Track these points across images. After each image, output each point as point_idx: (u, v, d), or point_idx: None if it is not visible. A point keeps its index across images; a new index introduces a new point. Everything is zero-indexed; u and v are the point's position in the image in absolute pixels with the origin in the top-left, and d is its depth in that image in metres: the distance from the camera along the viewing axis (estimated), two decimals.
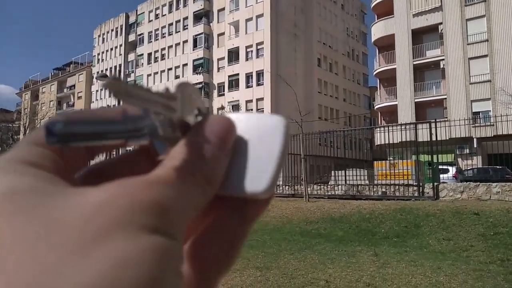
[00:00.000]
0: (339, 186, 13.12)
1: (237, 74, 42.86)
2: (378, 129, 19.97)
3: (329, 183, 14.96)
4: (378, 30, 33.98)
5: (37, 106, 54.40)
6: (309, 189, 12.81)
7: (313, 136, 15.86)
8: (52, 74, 74.45)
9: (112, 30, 60.44)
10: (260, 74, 41.00)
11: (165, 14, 52.43)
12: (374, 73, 34.92)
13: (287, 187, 14.56)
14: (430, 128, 11.16)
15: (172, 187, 0.21)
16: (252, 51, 42.08)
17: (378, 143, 25.33)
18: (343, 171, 14.02)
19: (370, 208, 9.96)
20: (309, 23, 45.72)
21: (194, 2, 48.42)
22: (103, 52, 61.61)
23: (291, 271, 5.57)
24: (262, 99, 40.35)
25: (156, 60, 53.10)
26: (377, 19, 34.72)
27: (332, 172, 15.96)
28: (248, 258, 6.39)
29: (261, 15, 41.50)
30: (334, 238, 8.23)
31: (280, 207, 11.54)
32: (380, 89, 35.00)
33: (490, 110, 25.44)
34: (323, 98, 46.18)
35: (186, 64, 48.86)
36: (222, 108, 38.42)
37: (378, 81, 35.38)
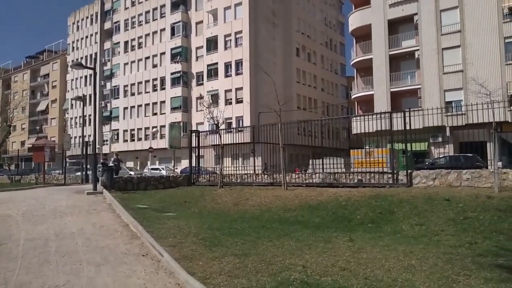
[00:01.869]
0: (317, 175, 13.35)
1: (216, 63, 42.52)
2: (354, 118, 20.29)
3: (307, 172, 15.19)
4: (355, 20, 34.26)
5: (9, 95, 52.46)
6: (287, 177, 12.98)
7: (292, 125, 16.00)
8: (25, 62, 71.98)
9: (87, 17, 58.70)
10: (239, 63, 40.79)
11: (142, 1, 51.26)
12: (351, 63, 35.28)
13: (266, 176, 14.70)
14: (404, 117, 11.44)
15: None
16: (230, 40, 41.75)
17: (355, 132, 25.75)
18: (320, 160, 14.25)
19: (347, 196, 10.20)
20: (288, 12, 45.63)
21: None
22: (78, 40, 59.83)
23: (269, 258, 5.68)
24: (241, 88, 40.24)
25: (133, 48, 52.01)
26: (354, 9, 34.98)
27: (310, 160, 16.18)
28: (227, 246, 6.49)
29: (239, 4, 41.13)
30: (312, 225, 8.42)
31: (259, 195, 11.67)
32: (357, 78, 35.44)
33: (462, 100, 26.20)
34: (302, 88, 46.42)
35: (164, 53, 48.09)
36: (201, 97, 38.06)
37: (355, 71, 35.79)
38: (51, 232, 8.09)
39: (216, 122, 15.57)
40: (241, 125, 37.67)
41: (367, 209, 8.98)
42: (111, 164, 16.18)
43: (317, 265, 5.24)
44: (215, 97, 35.07)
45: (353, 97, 35.82)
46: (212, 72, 42.89)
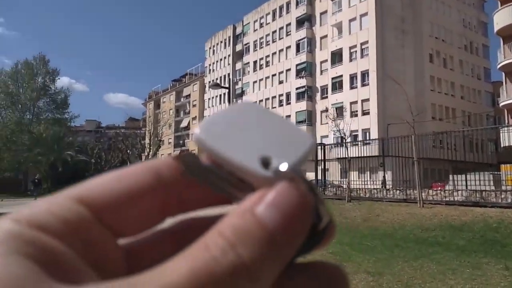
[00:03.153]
0: (459, 192, 11.97)
1: (341, 76, 42.06)
2: (505, 128, 17.65)
3: (446, 188, 13.76)
4: (501, 18, 30.04)
5: (159, 114, 60.90)
6: (423, 194, 11.98)
7: (427, 137, 14.79)
8: (171, 85, 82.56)
9: (221, 42, 64.57)
10: (365, 74, 39.60)
11: (269, 23, 54.13)
12: (498, 66, 30.96)
13: (398, 191, 13.81)
14: None
15: None
16: (356, 51, 40.90)
17: (506, 145, 22.33)
18: (463, 175, 12.76)
19: (498, 217, 8.90)
20: (418, 17, 42.62)
21: (296, 8, 49.06)
22: (213, 63, 66.23)
23: (406, 279, 5.32)
24: (367, 99, 38.89)
25: (261, 67, 55.10)
26: (500, 6, 30.73)
27: (450, 176, 14.63)
28: (358, 262, 6.30)
29: (365, 14, 40.11)
30: (455, 247, 7.58)
31: (391, 212, 11.02)
32: (506, 83, 30.87)
33: None
34: (437, 96, 42.52)
35: (289, 69, 49.69)
36: (326, 110, 38.02)
37: (503, 75, 31.27)
38: None
39: (342, 135, 15.35)
40: (367, 138, 36.29)
41: None
42: None
43: None
44: (340, 110, 34.65)
45: (501, 104, 31.29)
46: (337, 84, 42.54)
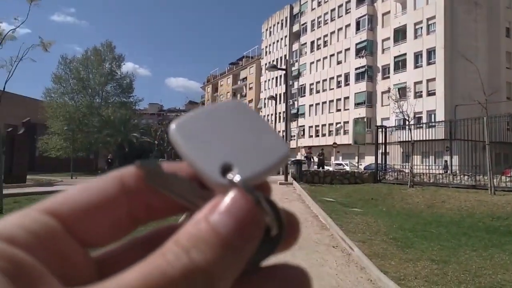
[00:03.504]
0: None
1: (404, 54, 39.82)
2: None
3: None
4: None
5: (217, 97, 62.19)
6: (495, 180, 11.12)
7: (501, 119, 13.63)
8: (228, 68, 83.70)
9: (278, 23, 63.86)
10: (431, 52, 37.13)
11: (327, 0, 52.40)
12: None
13: (466, 177, 12.96)
14: None
15: None
16: (421, 27, 38.36)
17: None
18: None
19: None
20: None
21: None
22: (270, 45, 65.86)
23: (474, 269, 5.03)
24: (433, 79, 36.55)
25: (318, 47, 53.80)
26: None
27: None
28: (421, 249, 6.06)
29: None
30: None
31: (458, 199, 10.40)
32: None
33: None
34: None
35: (348, 49, 48.00)
36: (388, 91, 36.34)
37: None
38: None
39: (405, 117, 14.61)
40: (433, 120, 34.26)
41: None
42: (315, 158, 18.70)
43: None
44: (402, 91, 32.96)
45: None
46: (400, 64, 40.38)
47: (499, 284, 4.45)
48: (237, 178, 0.22)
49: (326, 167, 23.14)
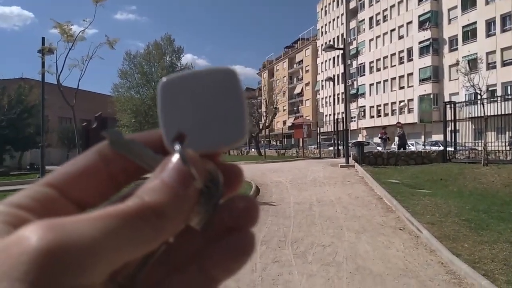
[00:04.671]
0: None
1: (474, 23, 36.63)
2: None
3: None
4: None
5: (273, 82, 62.19)
6: None
7: None
8: (283, 52, 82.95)
9: (334, 1, 61.74)
10: (506, 18, 33.79)
11: None
12: None
13: None
14: None
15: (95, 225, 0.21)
16: None
17: None
18: None
19: None
20: None
21: None
22: (326, 25, 64.03)
23: None
24: (509, 48, 33.29)
25: (378, 23, 51.29)
26: None
27: None
28: (498, 231, 5.69)
29: None
30: None
31: None
32: None
33: None
34: None
35: (410, 22, 45.20)
36: (457, 64, 33.80)
37: None
38: (313, 199, 9.18)
39: (477, 91, 13.53)
40: (509, 92, 31.35)
41: None
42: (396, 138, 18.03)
43: None
44: (473, 62, 30.48)
45: None
46: (469, 33, 37.28)
47: None
48: (177, 147, 0.26)
49: (411, 147, 22.50)
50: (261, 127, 43.40)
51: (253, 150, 46.21)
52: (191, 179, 0.25)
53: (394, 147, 23.32)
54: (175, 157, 0.25)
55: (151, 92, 48.69)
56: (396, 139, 21.80)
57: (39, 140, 21.95)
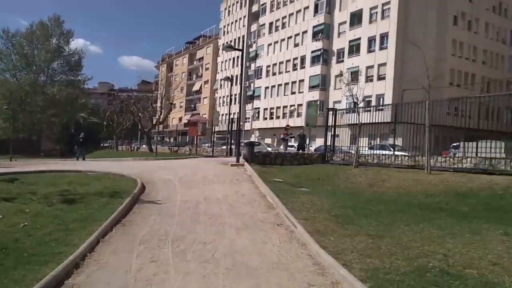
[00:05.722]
0: (468, 159, 11.83)
1: (359, 39, 40.80)
2: None
3: (456, 155, 13.61)
4: None
5: (171, 77, 60.69)
6: (432, 161, 11.88)
7: (441, 103, 14.45)
8: (184, 48, 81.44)
9: (237, 2, 62.75)
10: (384, 37, 38.32)
11: None
12: None
13: (406, 158, 13.72)
14: None
15: None
16: (377, 12, 39.35)
17: None
18: (474, 143, 12.55)
19: (505, 184, 8.82)
20: None
21: None
22: (228, 25, 64.74)
23: (405, 242, 5.41)
24: (384, 64, 37.86)
25: (277, 29, 53.66)
26: None
27: (461, 143, 14.39)
28: (360, 225, 6.40)
29: None
30: (458, 213, 7.59)
31: (398, 178, 11.02)
32: None
33: None
34: (457, 61, 41.09)
35: (306, 31, 48.29)
36: (341, 74, 37.17)
37: None
38: (201, 197, 9.22)
39: (355, 100, 15.10)
40: (381, 104, 35.66)
41: None
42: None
43: (461, 256, 4.76)
44: (355, 74, 33.93)
45: None
46: (354, 48, 41.37)
47: (425, 255, 4.82)
48: None
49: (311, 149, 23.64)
50: (154, 122, 41.97)
51: (144, 146, 44.48)
52: None
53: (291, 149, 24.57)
54: None
55: (30, 76, 43.49)
56: (298, 138, 23.18)
57: None
